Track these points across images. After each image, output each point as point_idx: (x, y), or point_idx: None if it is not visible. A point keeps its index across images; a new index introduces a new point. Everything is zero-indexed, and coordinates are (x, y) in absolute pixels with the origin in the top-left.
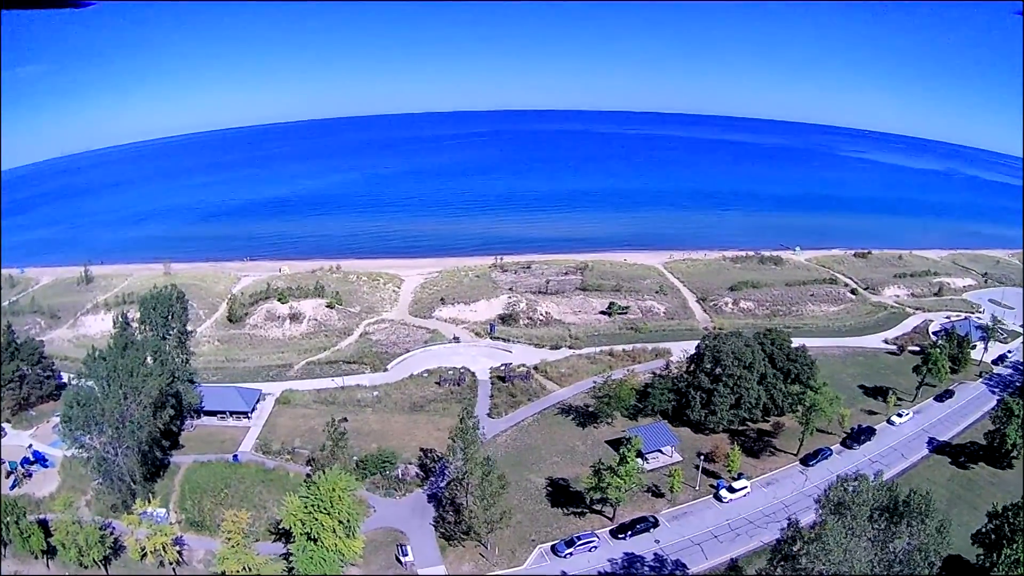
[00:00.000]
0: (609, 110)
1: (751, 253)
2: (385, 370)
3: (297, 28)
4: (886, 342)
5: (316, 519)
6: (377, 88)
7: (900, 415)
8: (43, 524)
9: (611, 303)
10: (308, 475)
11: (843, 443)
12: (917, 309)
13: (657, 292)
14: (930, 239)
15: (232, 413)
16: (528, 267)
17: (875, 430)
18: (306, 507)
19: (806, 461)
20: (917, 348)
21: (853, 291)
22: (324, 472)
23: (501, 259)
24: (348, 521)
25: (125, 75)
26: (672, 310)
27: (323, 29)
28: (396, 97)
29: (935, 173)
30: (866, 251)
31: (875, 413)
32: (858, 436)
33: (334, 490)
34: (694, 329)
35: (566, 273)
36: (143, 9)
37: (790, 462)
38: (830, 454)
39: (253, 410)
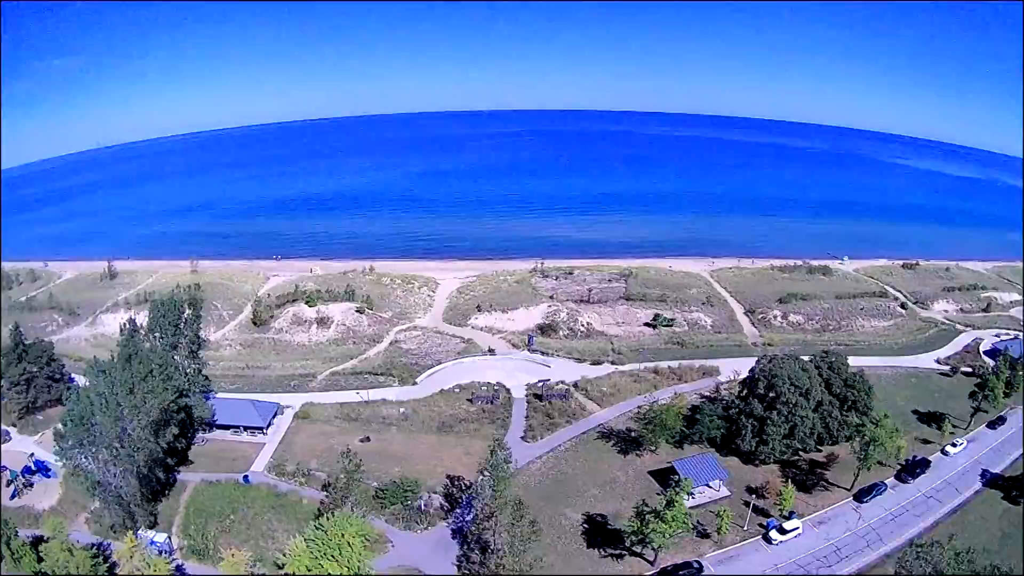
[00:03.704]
0: (654, 111)
1: (799, 263)
2: (414, 383)
3: (331, 23)
4: (938, 362)
5: (322, 566)
6: (414, 86)
7: (954, 444)
8: (38, 542)
9: (656, 314)
10: (322, 502)
11: (897, 476)
12: (967, 326)
13: (704, 303)
14: (974, 249)
15: (246, 428)
16: (570, 273)
17: (930, 462)
18: (311, 552)
19: (860, 497)
20: (969, 369)
21: (903, 305)
22: (333, 514)
23: (542, 264)
24: (359, 568)
25: (155, 70)
26: (719, 323)
27: (358, 26)
28: (434, 95)
29: (975, 181)
30: (914, 262)
31: (929, 442)
32: (913, 469)
33: (343, 535)
34: (742, 344)
35: (609, 280)
36: (176, 5)
37: (843, 498)
38: (885, 489)
39: (269, 425)
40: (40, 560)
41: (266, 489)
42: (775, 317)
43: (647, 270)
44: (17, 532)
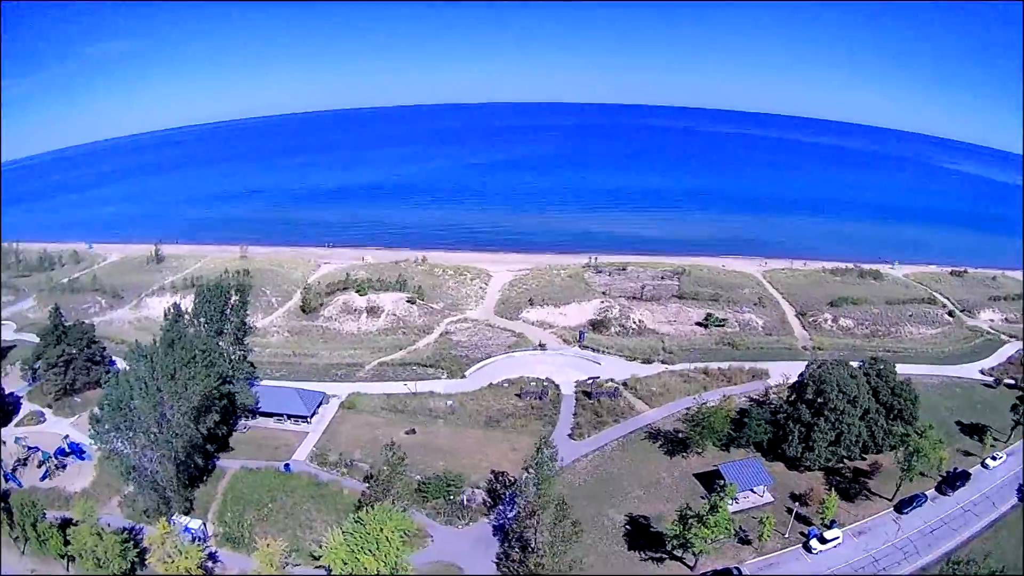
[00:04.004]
0: (713, 108)
1: (850, 266)
2: (463, 376)
3: (387, 13)
4: (982, 372)
5: (359, 560)
6: (469, 76)
7: (994, 457)
8: (66, 524)
9: (708, 314)
10: (363, 494)
11: (938, 488)
12: (1012, 337)
13: (756, 304)
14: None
15: (290, 416)
16: (623, 269)
17: (970, 474)
18: (348, 546)
19: (900, 508)
20: (1012, 381)
21: (950, 313)
22: (373, 506)
23: (595, 259)
24: (396, 564)
25: (204, 57)
26: (770, 325)
27: (411, 16)
28: (488, 85)
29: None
30: (962, 269)
31: (971, 454)
32: (953, 481)
33: (382, 530)
34: (792, 348)
35: (663, 278)
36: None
37: (884, 508)
38: (925, 501)
39: (314, 414)
40: (67, 543)
41: (307, 478)
42: (826, 321)
43: (700, 268)
44: (44, 514)
